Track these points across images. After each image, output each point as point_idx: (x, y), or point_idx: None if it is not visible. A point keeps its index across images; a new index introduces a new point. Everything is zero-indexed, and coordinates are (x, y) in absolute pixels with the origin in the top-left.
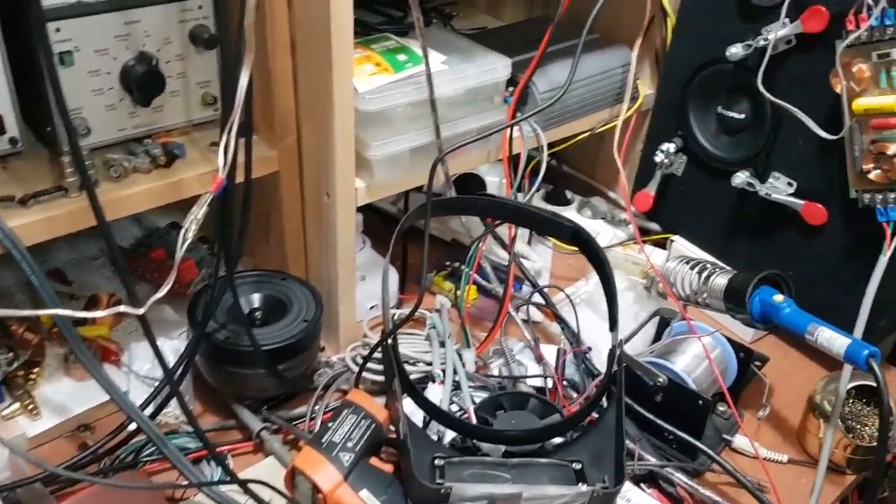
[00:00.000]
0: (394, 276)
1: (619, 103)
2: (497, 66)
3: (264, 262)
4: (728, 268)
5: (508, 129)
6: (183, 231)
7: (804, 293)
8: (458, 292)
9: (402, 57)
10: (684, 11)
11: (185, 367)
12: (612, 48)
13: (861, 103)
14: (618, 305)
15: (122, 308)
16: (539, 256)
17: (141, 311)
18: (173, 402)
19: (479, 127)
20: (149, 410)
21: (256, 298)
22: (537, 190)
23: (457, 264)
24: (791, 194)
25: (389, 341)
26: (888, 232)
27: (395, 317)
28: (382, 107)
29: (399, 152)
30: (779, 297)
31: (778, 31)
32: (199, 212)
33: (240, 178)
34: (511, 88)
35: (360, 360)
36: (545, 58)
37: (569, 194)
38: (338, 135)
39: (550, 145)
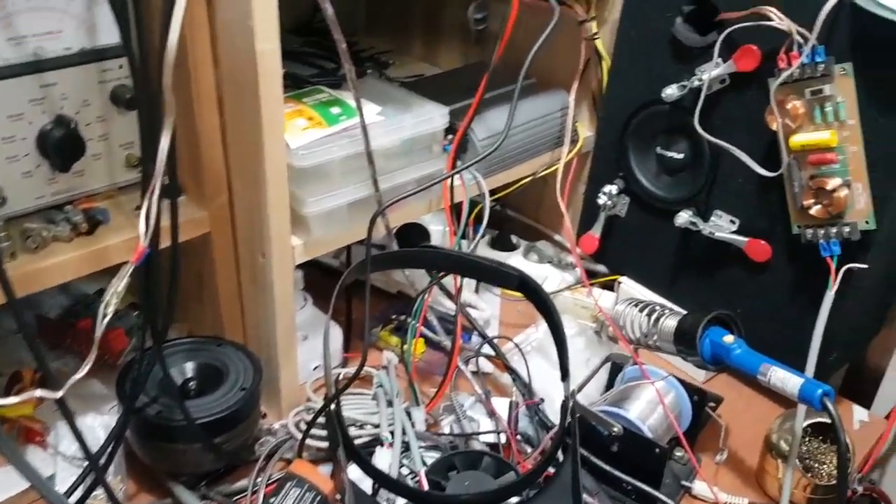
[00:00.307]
0: (337, 334)
1: (559, 146)
2: (434, 116)
3: (199, 327)
4: (677, 309)
5: (449, 179)
6: (102, 305)
7: (753, 330)
8: (405, 347)
9: (335, 110)
10: (619, 54)
11: (113, 447)
12: (550, 92)
13: (797, 140)
14: (568, 353)
15: (38, 393)
16: (487, 305)
17: (58, 394)
18: None
19: (419, 177)
20: (76, 496)
21: (190, 367)
22: (482, 237)
23: (403, 317)
24: (734, 232)
25: (332, 406)
26: (832, 266)
27: (340, 377)
28: (317, 162)
29: (336, 207)
30: (729, 338)
31: (711, 72)
32: (119, 284)
33: (167, 243)
34: (450, 136)
35: (303, 427)
36: (483, 104)
37: (514, 239)
38: (271, 193)
39: (493, 191)
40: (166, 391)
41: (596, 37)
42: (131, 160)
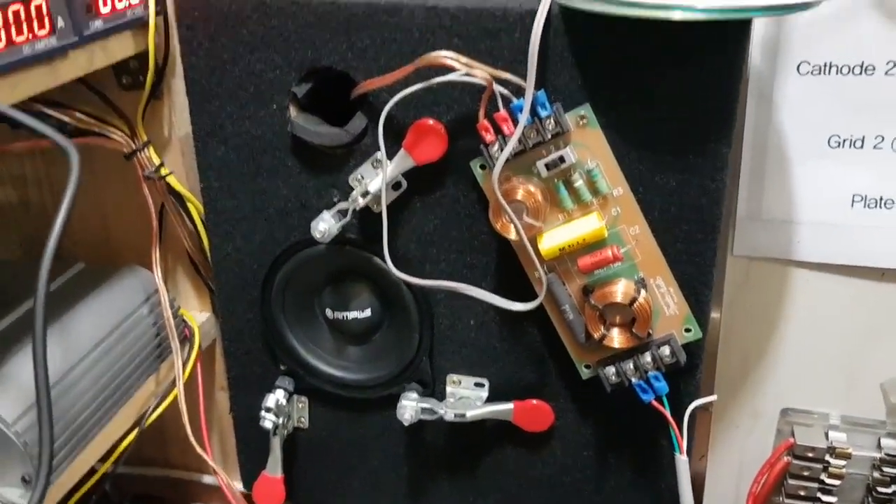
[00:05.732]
0: None
1: (166, 357)
2: None
3: None
4: None
5: None
6: None
7: None
8: None
9: None
10: (210, 188)
11: None
12: (119, 278)
13: (550, 243)
14: None
15: None
16: None
17: None
18: None
19: None
20: None
21: None
22: None
23: None
24: (488, 399)
25: None
26: (667, 413)
27: None
28: None
29: None
30: None
31: (375, 179)
32: None
33: None
34: None
35: None
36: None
37: None
38: None
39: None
40: None
41: (163, 172)
42: None
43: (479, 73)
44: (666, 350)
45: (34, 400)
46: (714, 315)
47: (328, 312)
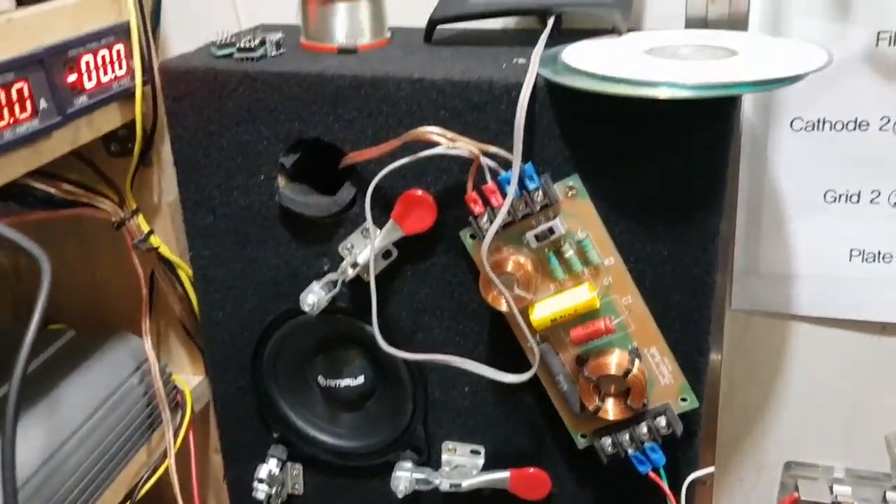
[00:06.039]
0: None
1: (156, 427)
2: None
3: None
4: None
5: None
6: None
7: None
8: None
9: None
10: (199, 256)
11: None
12: (110, 347)
13: (542, 314)
14: None
15: None
16: None
17: None
18: None
19: None
20: None
21: None
22: None
23: None
24: (484, 468)
25: None
26: (664, 486)
27: None
28: None
29: None
30: None
31: (364, 249)
32: None
33: None
34: None
35: None
36: None
37: None
38: None
39: None
40: None
41: (153, 242)
42: None
43: (465, 148)
44: (662, 421)
45: (23, 481)
46: (714, 358)
47: (320, 380)
